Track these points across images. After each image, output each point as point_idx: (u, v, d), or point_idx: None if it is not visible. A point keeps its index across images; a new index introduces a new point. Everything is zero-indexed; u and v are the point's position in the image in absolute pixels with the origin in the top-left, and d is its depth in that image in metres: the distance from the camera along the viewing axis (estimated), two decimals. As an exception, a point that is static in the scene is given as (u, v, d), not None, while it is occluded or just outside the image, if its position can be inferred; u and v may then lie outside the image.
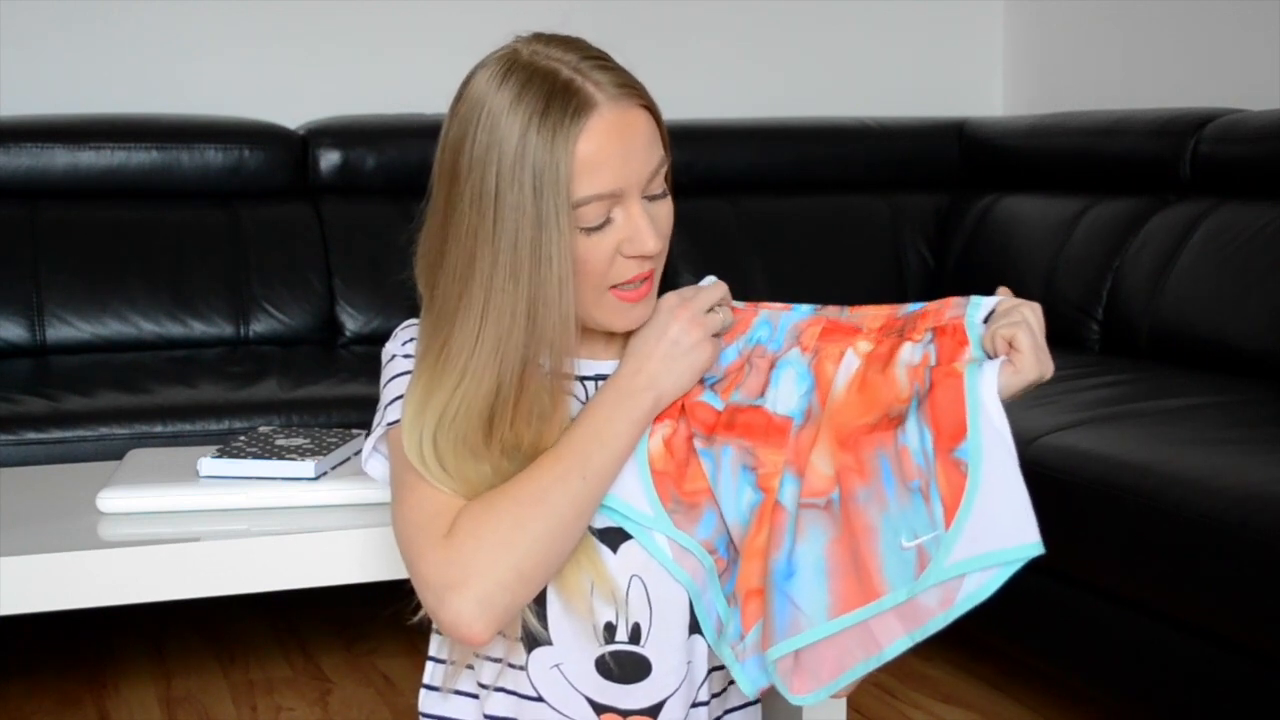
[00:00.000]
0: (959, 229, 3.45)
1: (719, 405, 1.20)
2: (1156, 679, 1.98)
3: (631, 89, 1.16)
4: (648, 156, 1.16)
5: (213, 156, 3.14)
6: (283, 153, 3.20)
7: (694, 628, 1.20)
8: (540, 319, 1.14)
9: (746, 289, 3.33)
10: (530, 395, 1.16)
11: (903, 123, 3.64)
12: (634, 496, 1.18)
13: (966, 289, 3.79)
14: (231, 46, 3.38)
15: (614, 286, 1.18)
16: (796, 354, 1.19)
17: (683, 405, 1.20)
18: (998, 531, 1.06)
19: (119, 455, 1.97)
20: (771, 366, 1.20)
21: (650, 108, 1.18)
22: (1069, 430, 2.16)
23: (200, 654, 2.66)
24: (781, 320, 1.23)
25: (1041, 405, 2.28)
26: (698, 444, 1.19)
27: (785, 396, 1.18)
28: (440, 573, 1.12)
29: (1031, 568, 2.35)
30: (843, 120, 3.62)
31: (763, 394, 1.19)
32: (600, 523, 1.18)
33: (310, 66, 3.43)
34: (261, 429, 1.85)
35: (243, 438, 1.75)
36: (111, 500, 1.58)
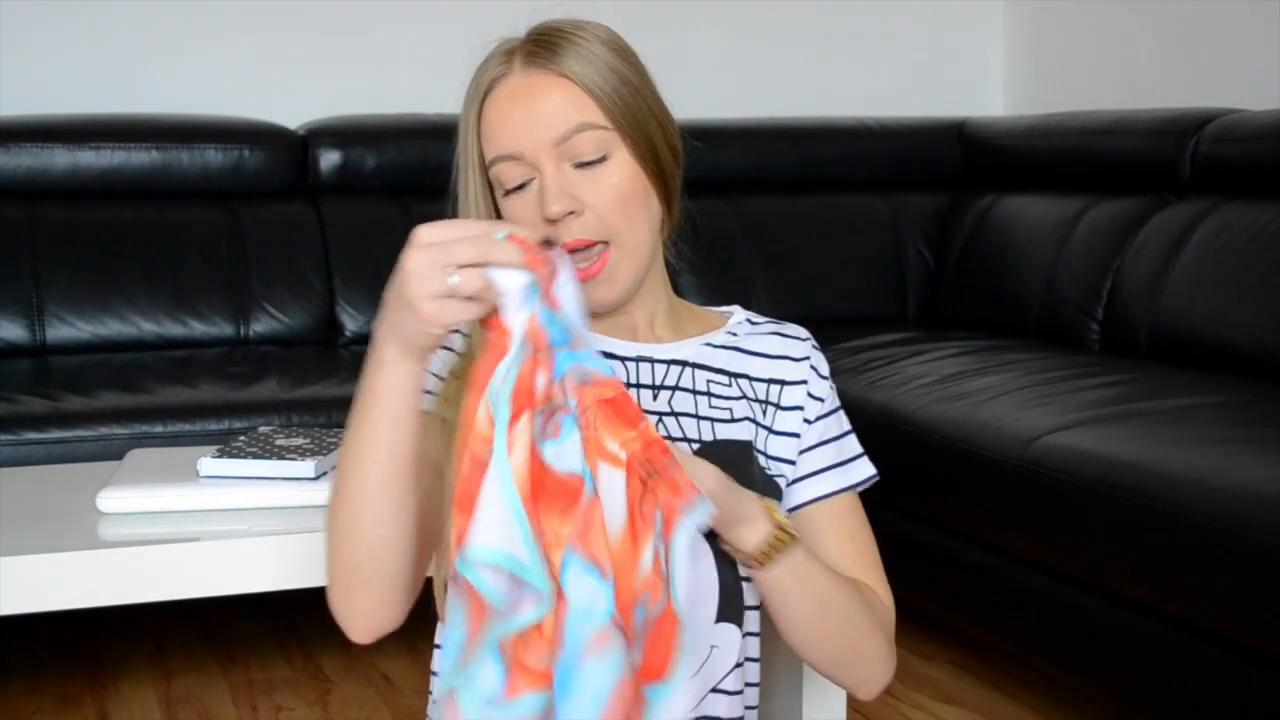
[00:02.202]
0: (959, 229, 3.45)
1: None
2: (1156, 679, 1.98)
3: (554, 63, 1.18)
4: (556, 120, 1.17)
5: (213, 156, 3.14)
6: (283, 153, 3.20)
7: (723, 615, 1.18)
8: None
9: (747, 289, 3.35)
10: None
11: (903, 123, 3.64)
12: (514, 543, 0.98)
13: (967, 289, 3.80)
14: (232, 46, 3.38)
15: None
16: (573, 415, 1.00)
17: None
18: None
19: (119, 455, 1.97)
20: (557, 408, 1.00)
21: (578, 79, 1.18)
22: (1069, 430, 2.16)
23: (200, 654, 2.66)
24: (571, 358, 1.00)
25: (1041, 405, 2.28)
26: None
27: (568, 454, 0.99)
28: None
29: (1032, 568, 2.35)
30: (843, 120, 3.62)
31: (546, 439, 0.99)
32: None
33: (310, 66, 3.43)
34: (261, 429, 1.85)
35: (243, 438, 1.75)
36: (111, 500, 1.58)
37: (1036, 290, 3.07)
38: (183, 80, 3.33)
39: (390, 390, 1.03)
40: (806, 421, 1.27)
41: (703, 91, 3.62)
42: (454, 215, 1.21)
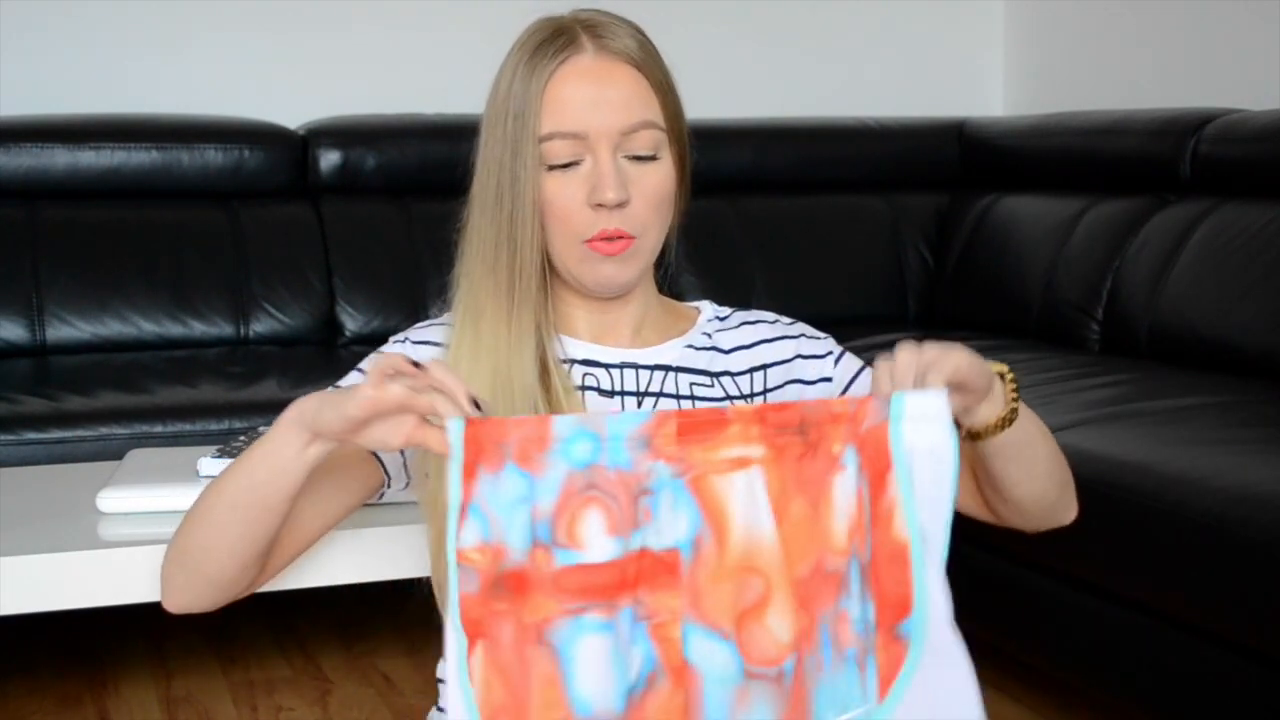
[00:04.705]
0: (959, 229, 3.45)
1: (573, 559, 0.98)
2: (1156, 679, 1.98)
3: (625, 51, 1.18)
4: (624, 110, 1.17)
5: (213, 156, 3.14)
6: (283, 153, 3.20)
7: None
8: (515, 250, 1.18)
9: (747, 289, 3.35)
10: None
11: (903, 123, 3.64)
12: None
13: (966, 289, 3.79)
14: (232, 47, 3.38)
15: (588, 241, 1.19)
16: (664, 471, 1.00)
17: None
18: (938, 710, 1.01)
19: (119, 455, 1.97)
20: (640, 494, 0.99)
21: (646, 73, 1.19)
22: (1069, 430, 2.16)
23: (200, 654, 2.66)
24: (610, 429, 0.99)
25: (1042, 405, 2.28)
26: (557, 629, 0.98)
27: (667, 526, 1.00)
28: None
29: (1032, 568, 2.34)
30: (843, 120, 3.62)
31: (638, 528, 1.00)
32: None
33: (310, 66, 3.43)
34: (261, 429, 1.85)
35: (243, 438, 1.75)
36: (111, 500, 1.58)
37: (1036, 290, 3.07)
38: (183, 80, 3.33)
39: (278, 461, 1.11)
40: (825, 380, 1.29)
41: (703, 91, 3.61)
42: (470, 202, 1.22)
